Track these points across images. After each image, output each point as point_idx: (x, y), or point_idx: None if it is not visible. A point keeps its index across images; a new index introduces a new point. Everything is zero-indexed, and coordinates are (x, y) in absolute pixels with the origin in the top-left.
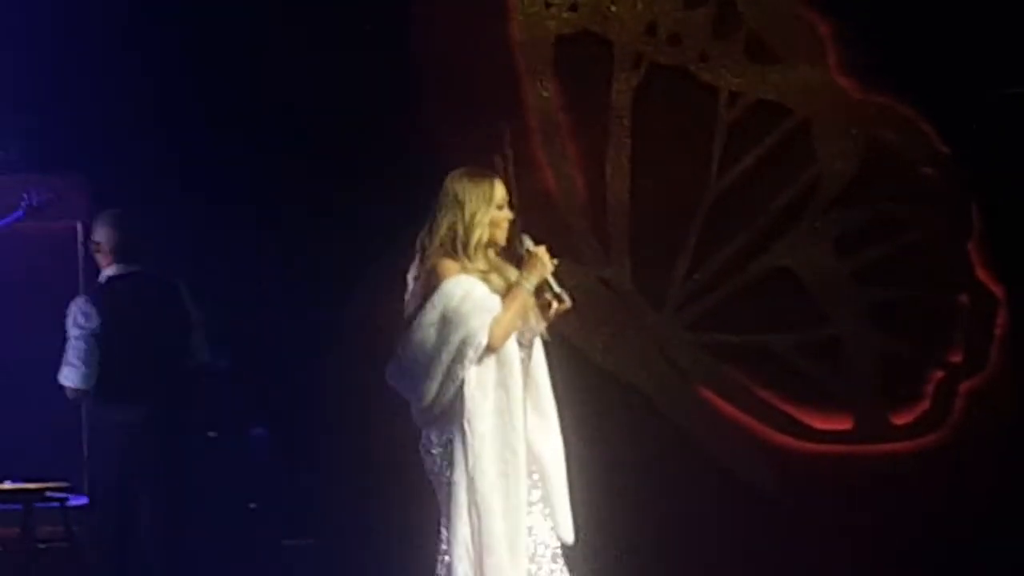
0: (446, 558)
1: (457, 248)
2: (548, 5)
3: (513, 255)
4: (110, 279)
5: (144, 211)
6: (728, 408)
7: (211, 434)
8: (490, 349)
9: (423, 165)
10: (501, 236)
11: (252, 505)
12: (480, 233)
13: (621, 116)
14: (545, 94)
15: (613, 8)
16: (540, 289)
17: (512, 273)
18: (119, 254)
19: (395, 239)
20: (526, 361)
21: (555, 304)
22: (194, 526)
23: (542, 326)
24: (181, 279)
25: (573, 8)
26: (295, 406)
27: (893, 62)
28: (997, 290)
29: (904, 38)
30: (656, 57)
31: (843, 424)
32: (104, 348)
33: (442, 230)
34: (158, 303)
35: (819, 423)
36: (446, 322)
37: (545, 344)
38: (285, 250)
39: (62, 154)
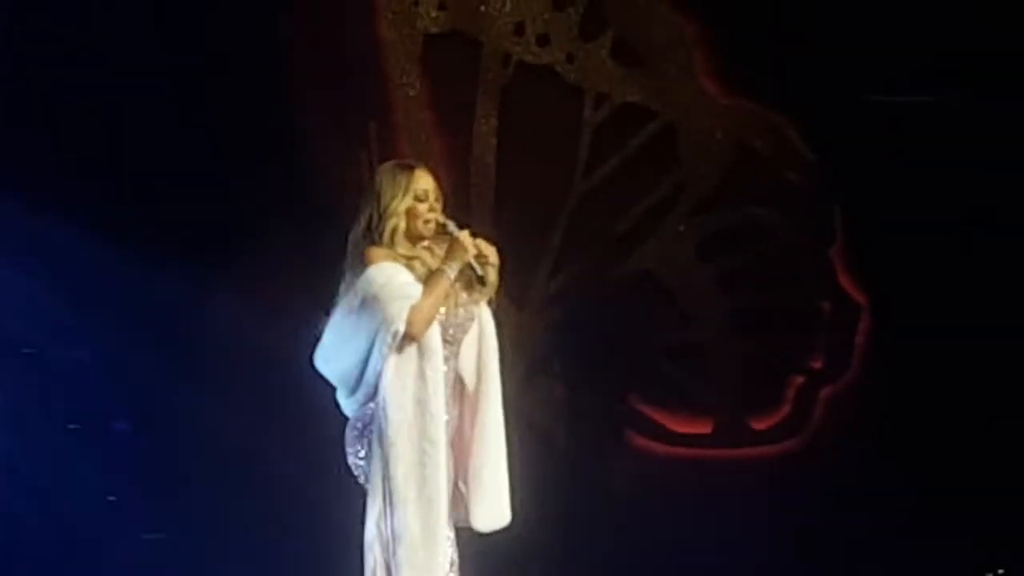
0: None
1: (375, 238)
2: (416, 3)
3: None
4: None
5: None
6: (588, 410)
7: (72, 426)
8: (409, 337)
9: (289, 159)
10: (424, 228)
11: (111, 498)
12: (395, 223)
13: (488, 115)
14: (412, 92)
15: (482, 8)
16: (469, 285)
17: (437, 261)
18: None
19: (261, 233)
20: (451, 360)
21: (478, 286)
22: (53, 518)
23: (472, 321)
24: None
25: (442, 7)
26: (157, 400)
27: (760, 67)
28: (859, 297)
29: (772, 43)
30: (524, 57)
31: (703, 428)
32: None
33: (362, 222)
34: None
35: (679, 426)
36: (365, 308)
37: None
38: (151, 242)
39: None
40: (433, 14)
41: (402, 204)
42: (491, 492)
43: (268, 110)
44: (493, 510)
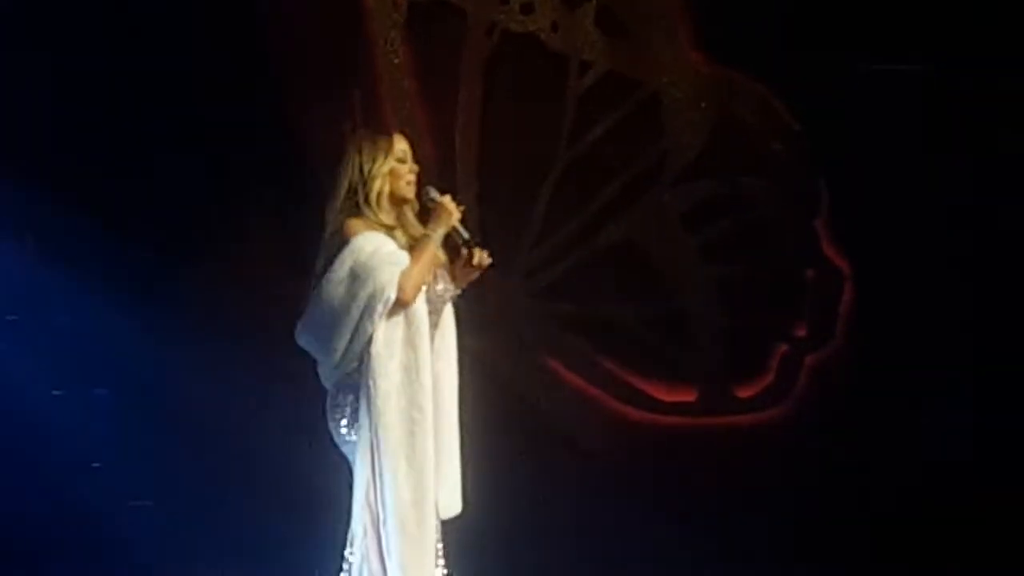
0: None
1: (359, 204)
2: None
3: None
4: None
5: None
6: (573, 378)
7: (55, 392)
8: (400, 303)
9: (273, 131)
10: (406, 189)
11: (96, 465)
12: (379, 185)
13: (472, 84)
14: (396, 60)
15: None
16: (456, 249)
17: (419, 229)
18: None
19: (245, 201)
20: (433, 329)
21: (465, 252)
22: (37, 485)
23: (451, 292)
24: None
25: None
26: (139, 366)
27: (745, 37)
28: (843, 265)
29: (757, 13)
30: (508, 25)
31: (687, 396)
32: None
33: (343, 189)
34: None
35: (663, 395)
36: (355, 277)
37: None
38: (135, 210)
39: None
40: None
41: (385, 166)
42: (451, 478)
43: (252, 79)
44: (452, 496)
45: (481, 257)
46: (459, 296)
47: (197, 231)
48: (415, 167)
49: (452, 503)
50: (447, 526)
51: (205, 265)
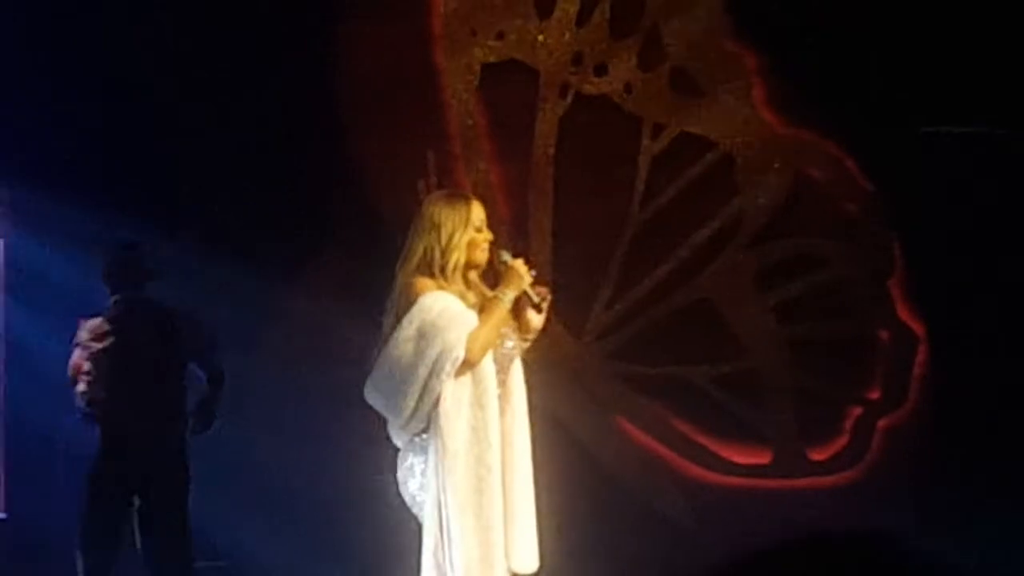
0: None
1: (434, 271)
2: (474, 33)
3: (493, 273)
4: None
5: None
6: (647, 440)
7: None
8: (467, 363)
9: (348, 189)
10: (481, 257)
11: None
12: (457, 256)
13: (545, 145)
14: (470, 121)
15: (540, 37)
16: (520, 308)
17: (486, 290)
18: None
19: (321, 263)
20: (502, 386)
21: (534, 313)
22: None
23: (519, 349)
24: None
25: (499, 36)
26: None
27: (819, 98)
28: (917, 327)
29: (830, 74)
30: (582, 87)
31: (761, 458)
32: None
33: (417, 254)
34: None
35: (738, 457)
36: (423, 336)
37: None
38: (203, 271)
39: None
40: (491, 43)
41: (465, 237)
42: (527, 535)
43: (328, 141)
44: (529, 553)
45: (540, 320)
46: (531, 356)
47: (271, 294)
48: (490, 235)
49: (529, 560)
50: None
51: (279, 328)
